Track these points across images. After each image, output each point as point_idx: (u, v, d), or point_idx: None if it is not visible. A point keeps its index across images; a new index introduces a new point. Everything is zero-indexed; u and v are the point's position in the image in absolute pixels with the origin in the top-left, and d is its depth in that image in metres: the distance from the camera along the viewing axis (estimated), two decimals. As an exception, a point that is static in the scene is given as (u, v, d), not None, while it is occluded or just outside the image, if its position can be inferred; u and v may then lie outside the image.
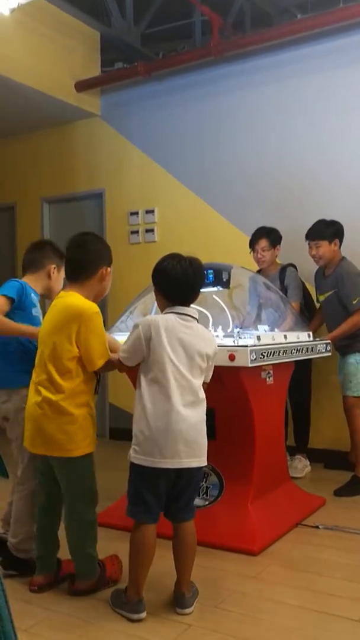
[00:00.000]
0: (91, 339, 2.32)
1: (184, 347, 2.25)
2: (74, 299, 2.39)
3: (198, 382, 2.28)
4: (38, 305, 2.74)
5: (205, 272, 2.41)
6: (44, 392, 2.35)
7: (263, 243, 4.22)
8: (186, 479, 2.28)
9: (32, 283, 2.74)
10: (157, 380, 2.24)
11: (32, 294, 2.71)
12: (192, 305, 2.37)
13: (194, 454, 2.24)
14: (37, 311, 2.72)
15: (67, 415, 2.34)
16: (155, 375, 2.24)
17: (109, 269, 2.53)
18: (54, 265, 2.78)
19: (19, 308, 2.62)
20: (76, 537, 2.44)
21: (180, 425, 2.21)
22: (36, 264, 2.78)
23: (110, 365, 2.40)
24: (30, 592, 2.46)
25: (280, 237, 4.26)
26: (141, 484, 2.27)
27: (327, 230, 3.92)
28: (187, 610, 2.30)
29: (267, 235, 4.22)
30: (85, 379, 2.38)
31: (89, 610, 2.34)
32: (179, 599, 2.32)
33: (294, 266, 4.28)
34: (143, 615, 2.24)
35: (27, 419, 2.44)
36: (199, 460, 2.27)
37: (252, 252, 4.28)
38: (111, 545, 2.65)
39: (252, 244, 4.27)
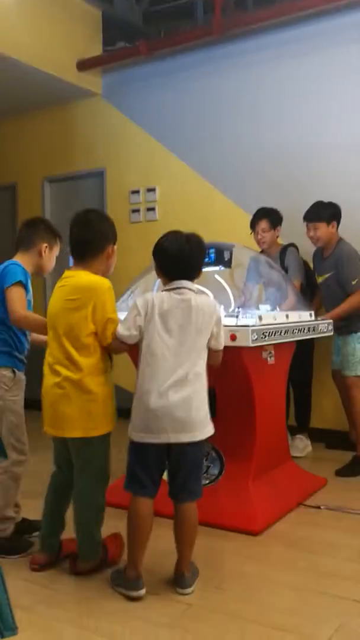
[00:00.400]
0: (106, 316, 2.33)
1: (179, 323, 2.24)
2: (84, 277, 2.39)
3: (194, 356, 2.26)
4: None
5: (206, 249, 2.37)
6: (64, 372, 2.34)
7: (263, 224, 4.20)
8: (178, 455, 2.27)
9: (24, 261, 2.68)
10: (148, 357, 2.25)
11: (28, 277, 2.68)
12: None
13: (182, 429, 2.23)
14: (30, 294, 2.70)
15: (89, 393, 2.34)
16: (146, 352, 2.26)
17: (114, 247, 2.52)
18: (45, 244, 2.73)
19: None
20: (84, 519, 2.44)
21: (165, 401, 2.21)
22: (28, 242, 2.73)
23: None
24: (31, 570, 2.46)
25: (281, 218, 4.23)
26: (133, 458, 2.31)
27: (324, 212, 3.90)
28: (187, 590, 2.29)
29: (267, 216, 4.20)
30: (102, 356, 2.38)
31: (89, 590, 2.34)
32: (178, 579, 2.32)
33: (295, 246, 4.25)
34: (142, 592, 2.24)
35: (45, 403, 2.41)
36: (190, 435, 2.24)
37: (252, 233, 4.26)
38: (110, 523, 2.63)
39: (253, 225, 4.25)
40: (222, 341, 2.37)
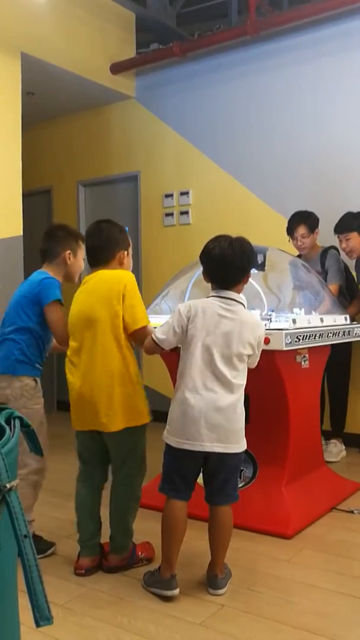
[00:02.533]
0: (135, 302, 2.41)
1: (222, 332, 2.23)
2: (108, 272, 2.50)
3: (233, 368, 2.25)
4: None
5: (252, 252, 2.35)
6: (100, 367, 2.40)
7: (302, 230, 4.14)
8: (215, 463, 2.28)
9: (52, 273, 2.72)
10: (187, 363, 2.25)
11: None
12: None
13: (218, 438, 2.23)
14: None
15: (130, 384, 2.42)
16: (187, 359, 2.26)
17: (126, 252, 2.60)
18: (68, 251, 2.75)
19: None
20: (122, 509, 2.51)
21: (202, 409, 2.21)
22: (52, 253, 2.76)
23: (147, 332, 2.40)
24: (76, 575, 2.48)
25: (318, 220, 4.17)
26: (169, 462, 2.33)
27: (354, 222, 3.89)
28: (220, 592, 2.31)
29: (305, 221, 4.14)
30: (132, 350, 2.46)
31: (124, 588, 2.38)
32: (212, 580, 2.34)
33: (336, 249, 4.20)
34: (176, 592, 2.26)
35: (79, 398, 2.46)
36: (226, 446, 2.24)
37: (290, 240, 4.21)
38: (143, 524, 2.67)
39: (291, 231, 4.19)
40: (256, 361, 2.35)
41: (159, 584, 2.29)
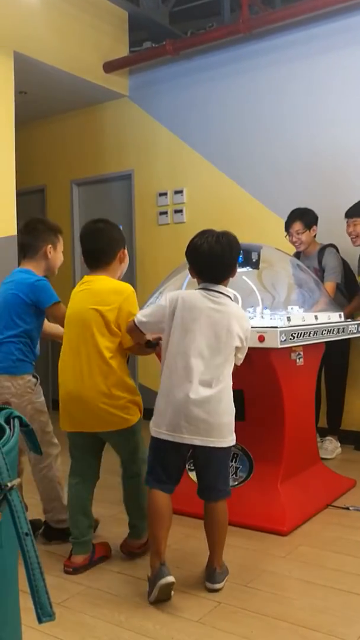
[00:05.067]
0: (132, 310, 2.44)
1: (208, 324, 2.23)
2: (109, 282, 2.51)
3: (220, 361, 2.25)
4: None
5: (239, 247, 2.34)
6: (94, 368, 2.42)
7: (297, 226, 4.14)
8: (202, 458, 2.30)
9: (34, 268, 2.74)
10: (172, 354, 2.26)
11: None
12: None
13: (198, 432, 2.22)
14: None
15: (123, 385, 2.44)
16: (171, 349, 2.27)
17: (124, 250, 2.62)
18: (49, 245, 2.76)
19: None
20: (136, 496, 2.58)
21: (181, 401, 2.21)
22: (32, 248, 2.77)
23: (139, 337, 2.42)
24: (65, 572, 2.50)
25: (316, 217, 4.16)
26: (152, 453, 2.34)
27: None
28: (217, 586, 2.31)
29: (301, 218, 4.14)
30: (124, 352, 2.50)
31: (122, 586, 2.38)
32: (210, 574, 2.34)
33: (335, 246, 4.19)
34: (170, 578, 2.19)
35: (74, 400, 2.47)
36: (207, 440, 2.24)
37: (287, 236, 4.21)
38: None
39: (287, 227, 4.19)
40: (242, 358, 2.35)
41: (153, 582, 2.25)
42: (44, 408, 2.77)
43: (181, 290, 2.35)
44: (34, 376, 2.74)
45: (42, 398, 2.78)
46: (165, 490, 2.30)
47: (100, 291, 2.47)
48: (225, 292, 2.30)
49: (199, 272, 2.33)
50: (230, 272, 2.32)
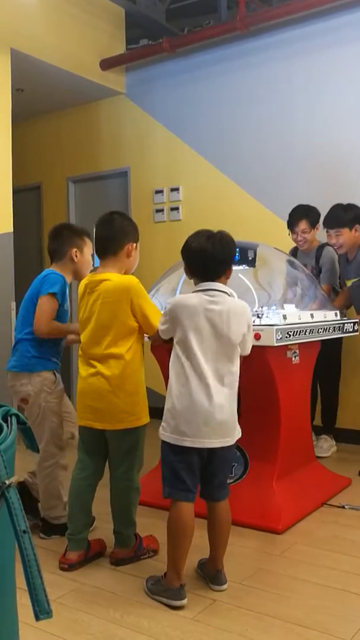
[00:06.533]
0: (145, 305, 2.44)
1: (211, 326, 2.22)
2: (115, 279, 2.47)
3: (226, 361, 2.23)
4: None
5: (233, 246, 2.33)
6: (105, 366, 2.43)
7: (303, 225, 4.06)
8: (219, 458, 2.27)
9: (61, 271, 2.80)
10: (180, 359, 2.24)
11: (67, 287, 2.80)
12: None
13: (222, 434, 2.22)
14: (67, 304, 2.82)
15: (133, 385, 2.44)
16: (179, 354, 2.25)
17: (134, 245, 2.59)
18: (74, 249, 2.82)
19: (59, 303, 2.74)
20: (124, 503, 2.54)
21: (203, 406, 2.18)
22: (59, 253, 2.84)
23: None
24: (60, 569, 2.50)
25: (319, 215, 4.08)
26: (175, 461, 2.23)
27: (345, 217, 3.75)
28: (223, 587, 2.31)
29: (307, 216, 4.06)
30: (139, 351, 2.50)
31: (117, 583, 2.39)
32: (215, 577, 2.33)
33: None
34: (185, 601, 2.19)
35: (84, 395, 2.48)
36: (227, 440, 2.24)
37: (290, 234, 4.14)
38: (138, 520, 2.68)
39: (291, 225, 4.11)
40: (250, 347, 2.35)
41: (166, 593, 2.22)
42: (58, 409, 2.78)
43: (179, 296, 2.36)
44: (53, 373, 2.76)
45: (59, 400, 2.79)
46: (190, 499, 2.23)
47: (108, 292, 2.45)
48: (222, 289, 2.27)
49: (192, 271, 2.32)
50: (224, 270, 2.29)
